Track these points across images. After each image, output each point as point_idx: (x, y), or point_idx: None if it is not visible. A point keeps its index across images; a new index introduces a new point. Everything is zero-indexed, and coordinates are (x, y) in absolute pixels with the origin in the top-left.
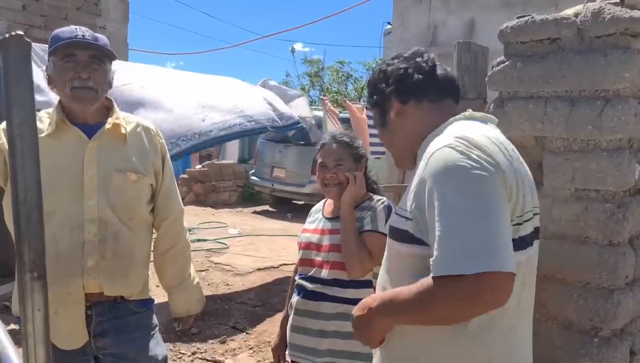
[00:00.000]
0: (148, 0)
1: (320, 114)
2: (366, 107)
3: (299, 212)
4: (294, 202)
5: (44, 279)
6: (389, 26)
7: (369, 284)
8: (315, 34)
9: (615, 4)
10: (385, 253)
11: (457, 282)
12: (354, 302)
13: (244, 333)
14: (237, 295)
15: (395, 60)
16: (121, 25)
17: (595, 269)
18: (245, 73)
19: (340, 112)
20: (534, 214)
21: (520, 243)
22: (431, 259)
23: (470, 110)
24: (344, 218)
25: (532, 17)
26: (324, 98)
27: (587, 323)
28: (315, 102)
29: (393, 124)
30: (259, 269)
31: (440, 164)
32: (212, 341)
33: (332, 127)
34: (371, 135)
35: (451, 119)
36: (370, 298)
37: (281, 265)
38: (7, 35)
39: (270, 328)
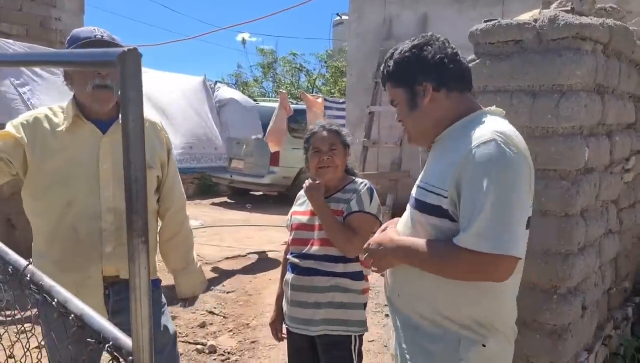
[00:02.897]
0: None
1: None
2: (325, 99)
3: (257, 203)
4: (251, 193)
5: (147, 243)
6: (338, 17)
7: (356, 258)
8: (265, 24)
9: (567, 11)
10: (408, 222)
11: (478, 256)
12: (344, 275)
13: (222, 317)
14: (209, 282)
15: (429, 47)
16: (77, 16)
17: (554, 237)
18: (198, 65)
19: (296, 103)
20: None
21: (529, 221)
22: (462, 232)
23: (494, 105)
24: (319, 213)
25: (499, 22)
26: (283, 92)
27: (548, 282)
28: (268, 94)
29: (425, 108)
30: (227, 258)
31: (487, 156)
32: (192, 326)
33: (279, 123)
34: None
35: (477, 113)
36: (387, 238)
37: (248, 253)
38: (125, 50)
39: (247, 312)
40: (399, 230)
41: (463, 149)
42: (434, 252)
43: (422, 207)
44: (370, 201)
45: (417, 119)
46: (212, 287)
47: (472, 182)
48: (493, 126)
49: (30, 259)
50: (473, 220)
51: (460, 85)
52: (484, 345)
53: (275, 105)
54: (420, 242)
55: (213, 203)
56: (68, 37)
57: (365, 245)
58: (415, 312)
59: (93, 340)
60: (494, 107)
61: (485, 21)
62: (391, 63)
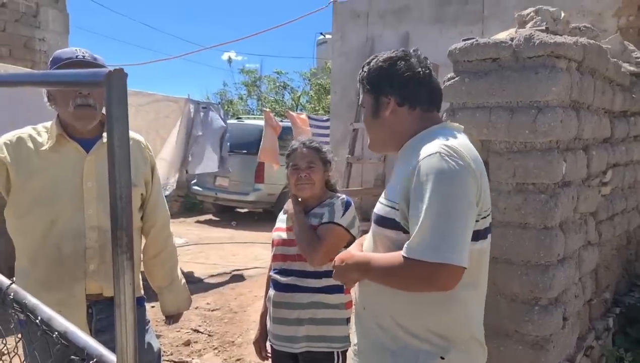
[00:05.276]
0: (89, 12)
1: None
2: (309, 116)
3: (243, 220)
4: (237, 210)
5: (133, 260)
6: (322, 37)
7: None
8: (251, 43)
9: (542, 30)
10: (370, 237)
11: (420, 266)
12: (324, 290)
13: (207, 335)
14: (194, 300)
15: (402, 63)
16: (61, 37)
17: (534, 249)
18: (184, 84)
19: (281, 121)
20: (489, 212)
21: (484, 233)
22: (406, 242)
23: (449, 121)
24: (294, 224)
25: (477, 40)
26: (267, 111)
27: (529, 294)
28: (252, 111)
29: (385, 119)
30: (211, 276)
31: (429, 168)
32: (176, 344)
33: (269, 141)
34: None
35: (434, 127)
36: (348, 254)
37: (233, 270)
38: (111, 70)
39: (232, 329)
40: (365, 246)
41: (412, 162)
42: (384, 264)
43: (380, 221)
44: (343, 213)
45: (377, 127)
46: (197, 305)
47: (416, 193)
48: (442, 140)
49: (13, 278)
50: (416, 231)
51: (425, 105)
52: (442, 358)
53: (260, 122)
54: (375, 256)
55: (198, 221)
56: (50, 58)
57: (333, 263)
58: (378, 326)
59: (77, 358)
60: (449, 122)
61: (464, 40)
62: (367, 69)
